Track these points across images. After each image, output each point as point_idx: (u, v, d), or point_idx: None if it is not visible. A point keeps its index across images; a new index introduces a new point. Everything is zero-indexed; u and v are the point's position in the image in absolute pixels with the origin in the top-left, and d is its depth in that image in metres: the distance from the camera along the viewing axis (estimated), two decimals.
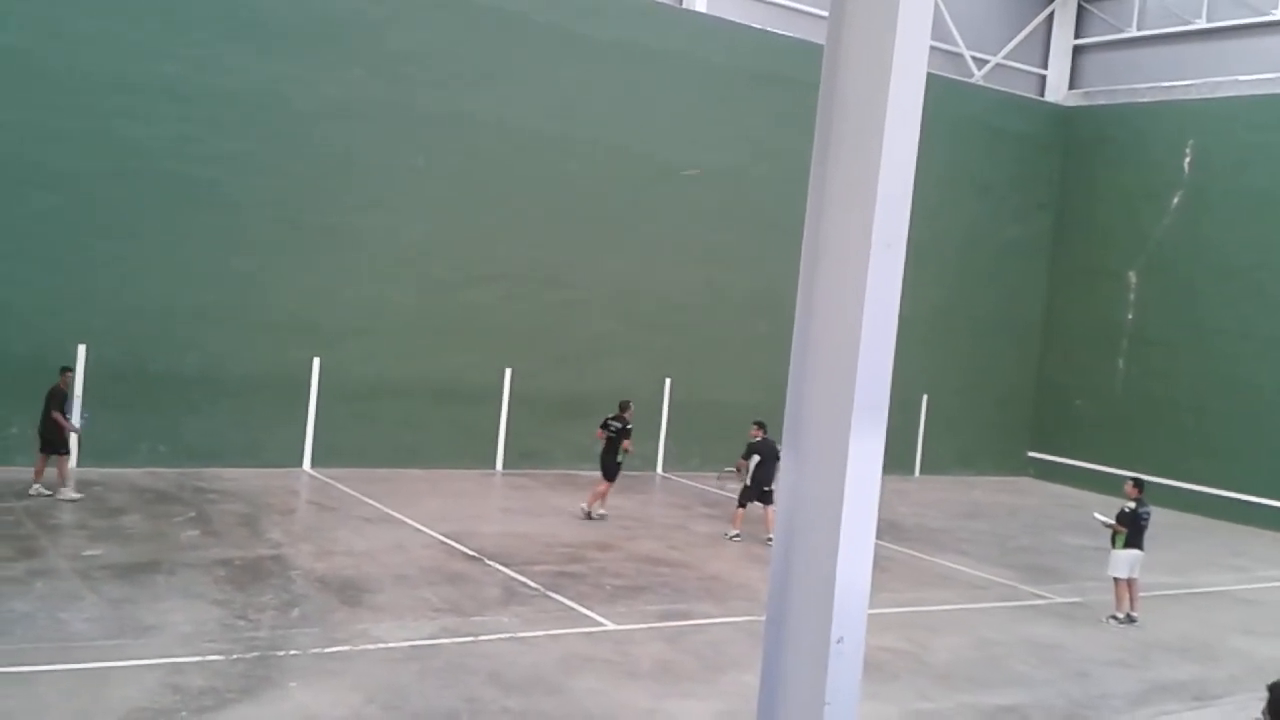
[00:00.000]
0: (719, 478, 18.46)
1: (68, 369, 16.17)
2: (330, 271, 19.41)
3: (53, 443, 15.64)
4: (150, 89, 17.80)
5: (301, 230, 19.14)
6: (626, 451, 17.83)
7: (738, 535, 17.38)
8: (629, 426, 17.85)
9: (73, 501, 15.33)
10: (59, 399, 15.74)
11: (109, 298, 17.64)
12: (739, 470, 17.71)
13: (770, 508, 17.03)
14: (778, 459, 16.50)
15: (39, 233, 17.16)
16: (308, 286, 19.23)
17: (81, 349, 17.37)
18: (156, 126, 17.89)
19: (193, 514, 15.36)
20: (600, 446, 18.08)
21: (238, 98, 18.47)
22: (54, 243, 17.26)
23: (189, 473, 17.82)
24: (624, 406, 18.10)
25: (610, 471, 17.82)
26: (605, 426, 17.88)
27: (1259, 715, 6.56)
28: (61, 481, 15.70)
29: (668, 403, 22.64)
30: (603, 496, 17.87)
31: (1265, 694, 6.59)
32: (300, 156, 19.06)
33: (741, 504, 17.54)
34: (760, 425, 17.61)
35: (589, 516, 17.62)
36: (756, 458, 17.36)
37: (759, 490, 17.38)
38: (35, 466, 15.73)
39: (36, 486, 15.57)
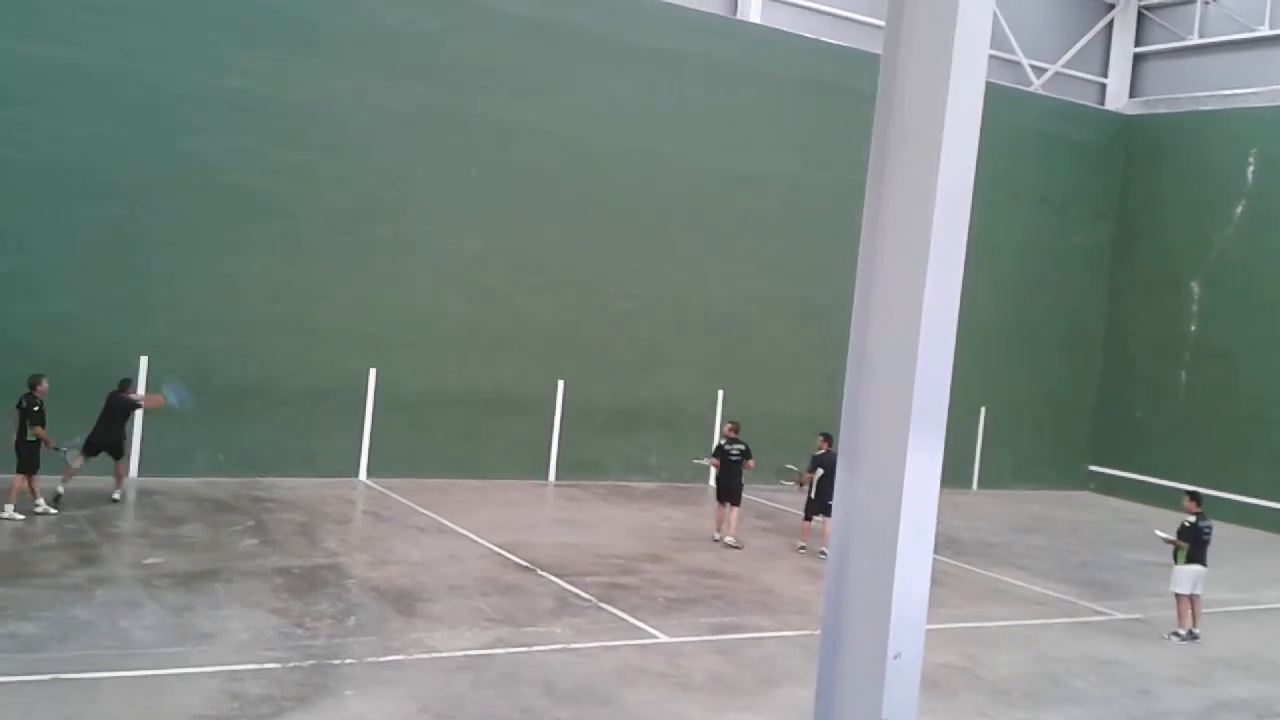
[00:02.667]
0: (779, 476, 18.15)
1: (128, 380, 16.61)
2: (386, 283, 19.58)
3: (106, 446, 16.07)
4: (213, 102, 18.09)
5: (359, 241, 19.33)
6: (749, 470, 17.39)
7: (804, 547, 17.28)
8: (748, 447, 17.40)
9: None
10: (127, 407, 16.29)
11: (170, 309, 17.90)
12: (802, 483, 17.48)
13: (829, 521, 16.76)
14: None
15: (102, 244, 17.47)
16: (364, 298, 19.40)
17: (144, 360, 17.63)
18: (219, 139, 18.17)
19: (251, 523, 15.53)
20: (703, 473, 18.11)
21: (298, 110, 18.73)
22: (117, 254, 17.56)
23: (247, 482, 18.02)
24: (737, 428, 17.72)
25: (738, 494, 17.31)
26: (724, 453, 17.40)
27: None
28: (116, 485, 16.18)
29: (720, 413, 22.56)
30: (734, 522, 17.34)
31: None
32: (358, 168, 19.27)
33: (807, 517, 17.42)
34: (826, 437, 17.20)
35: (727, 541, 17.13)
36: (820, 471, 17.09)
37: (822, 503, 17.12)
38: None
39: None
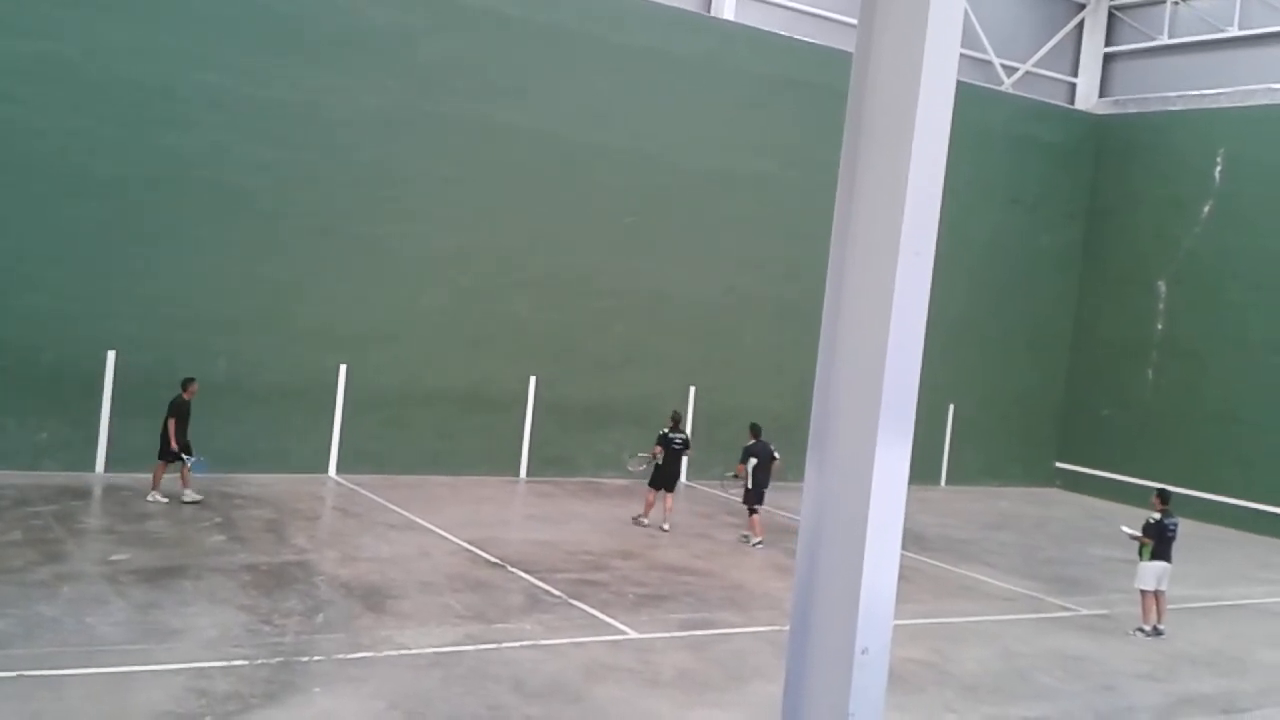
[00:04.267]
0: (723, 485, 19.07)
1: (191, 380, 16.63)
2: (359, 280, 19.50)
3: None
4: (189, 98, 17.96)
5: (333, 238, 19.24)
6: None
7: (760, 541, 17.37)
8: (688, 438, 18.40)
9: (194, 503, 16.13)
10: (178, 410, 16.28)
11: (141, 304, 17.76)
12: (738, 475, 17.82)
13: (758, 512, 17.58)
14: (773, 459, 17.59)
15: (74, 239, 17.31)
16: (337, 294, 19.31)
17: (111, 355, 17.49)
18: (195, 135, 18.04)
19: (219, 519, 15.44)
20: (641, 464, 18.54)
21: (275, 107, 18.62)
22: (88, 249, 17.41)
23: (216, 478, 17.89)
24: (680, 419, 18.59)
25: (673, 482, 18.09)
26: (668, 441, 17.92)
27: None
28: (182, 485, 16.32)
29: (693, 410, 22.60)
30: (669, 508, 18.08)
31: None
32: (335, 166, 19.19)
33: (751, 510, 17.60)
34: (755, 428, 18.00)
35: (642, 521, 17.93)
36: (754, 460, 17.58)
37: (759, 493, 17.59)
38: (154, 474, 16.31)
39: (154, 494, 16.10)
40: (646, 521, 17.88)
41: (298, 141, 18.84)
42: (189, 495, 16.14)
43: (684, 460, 18.32)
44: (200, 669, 9.75)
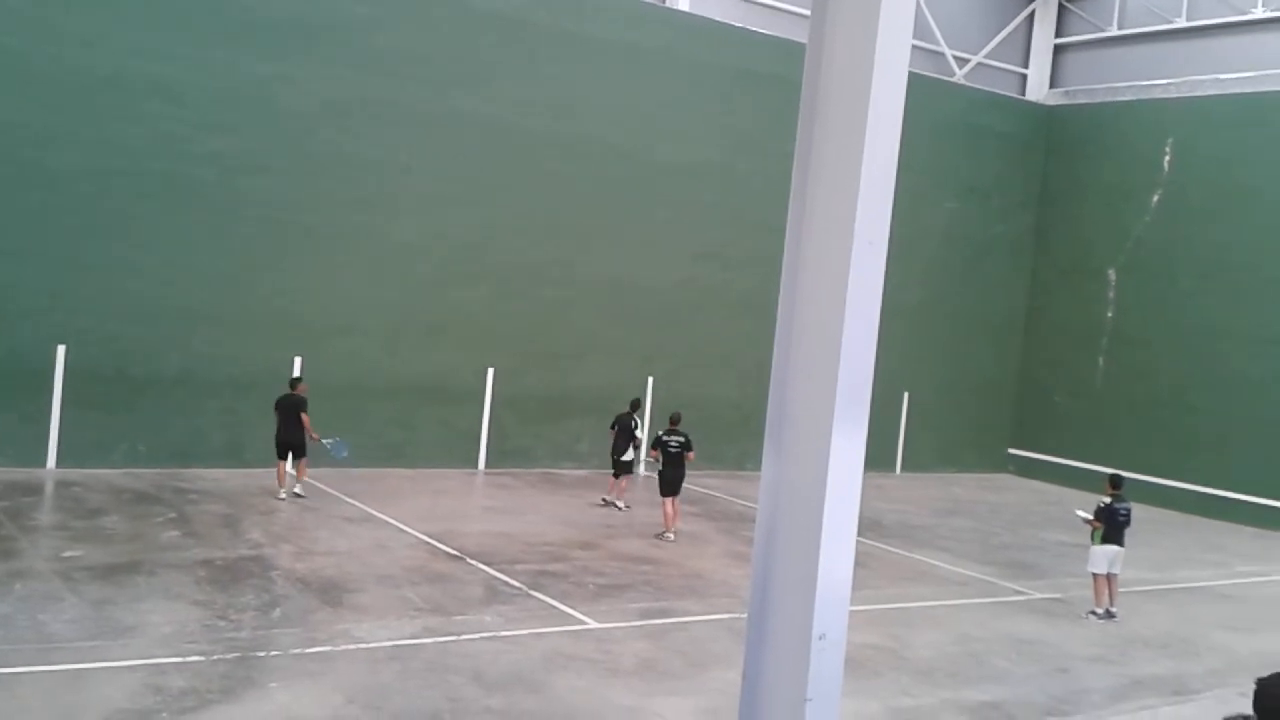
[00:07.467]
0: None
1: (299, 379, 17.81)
2: (315, 271, 19.35)
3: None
4: (140, 88, 17.71)
5: (288, 229, 19.08)
6: (689, 461, 17.14)
7: (618, 503, 18.82)
8: (688, 438, 17.17)
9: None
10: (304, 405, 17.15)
11: (92, 297, 17.54)
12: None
13: (623, 479, 18.99)
14: (630, 434, 19.00)
15: (22, 231, 17.05)
16: (292, 286, 19.17)
17: (60, 349, 17.26)
18: (146, 126, 17.81)
19: (173, 514, 15.29)
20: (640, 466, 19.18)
21: (227, 97, 18.40)
22: (37, 242, 17.14)
23: (169, 473, 17.73)
24: (677, 419, 17.47)
25: (678, 485, 16.99)
26: (664, 445, 17.00)
27: (1241, 713, 6.55)
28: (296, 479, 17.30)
29: (650, 400, 22.62)
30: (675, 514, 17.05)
31: (1248, 689, 6.60)
32: (289, 156, 19.01)
33: (616, 475, 19.02)
34: (633, 404, 19.57)
35: (666, 537, 16.74)
36: (617, 428, 19.07)
37: (614, 460, 18.92)
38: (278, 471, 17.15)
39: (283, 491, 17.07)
40: (671, 537, 16.74)
41: (250, 131, 18.65)
42: (298, 488, 17.14)
43: (685, 462, 17.06)
44: (156, 665, 9.67)
